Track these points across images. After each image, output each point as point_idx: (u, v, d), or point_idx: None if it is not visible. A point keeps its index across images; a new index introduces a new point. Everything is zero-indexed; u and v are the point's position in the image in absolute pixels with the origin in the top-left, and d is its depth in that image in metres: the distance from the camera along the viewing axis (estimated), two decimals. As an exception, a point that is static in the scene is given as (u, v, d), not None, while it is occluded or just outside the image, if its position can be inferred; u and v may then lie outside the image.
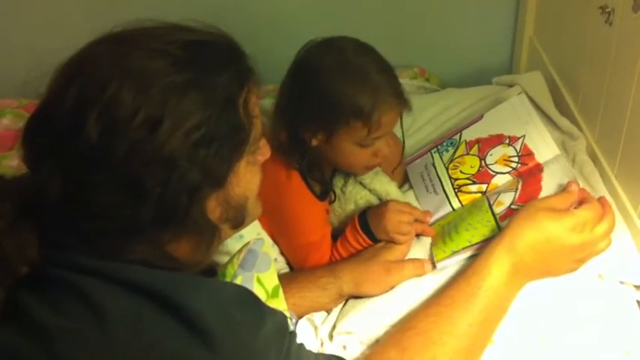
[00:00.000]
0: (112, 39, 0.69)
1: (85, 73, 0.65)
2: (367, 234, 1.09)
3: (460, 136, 1.23)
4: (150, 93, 0.63)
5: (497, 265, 0.87)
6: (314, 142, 1.05)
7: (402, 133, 1.14)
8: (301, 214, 1.10)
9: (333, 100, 1.00)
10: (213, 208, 0.71)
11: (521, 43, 1.64)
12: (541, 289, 0.94)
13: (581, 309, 0.94)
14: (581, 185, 1.04)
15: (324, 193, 1.15)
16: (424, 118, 1.41)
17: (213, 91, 0.67)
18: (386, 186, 1.17)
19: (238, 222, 0.76)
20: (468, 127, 1.24)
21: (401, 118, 1.09)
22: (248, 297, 0.73)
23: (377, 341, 0.94)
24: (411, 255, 1.05)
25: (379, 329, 0.95)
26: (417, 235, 1.08)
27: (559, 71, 1.42)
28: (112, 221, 0.65)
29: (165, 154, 0.63)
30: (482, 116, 1.24)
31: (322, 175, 1.14)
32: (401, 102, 1.04)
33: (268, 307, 0.74)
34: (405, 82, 1.61)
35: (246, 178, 0.73)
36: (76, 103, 0.63)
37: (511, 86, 1.43)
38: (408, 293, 0.98)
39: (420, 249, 1.06)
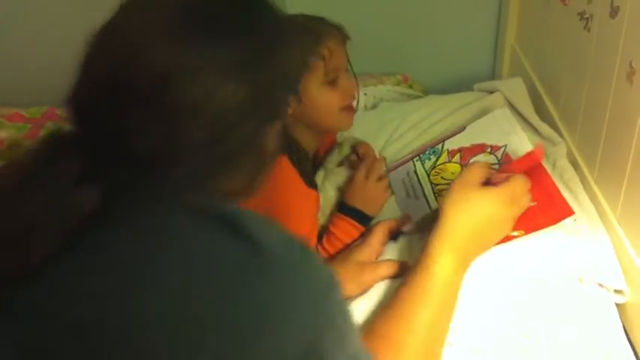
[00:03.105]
0: None
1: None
2: (357, 218, 1.13)
3: (442, 145, 1.24)
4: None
5: (446, 259, 0.86)
6: (289, 112, 1.08)
7: (352, 69, 1.19)
8: (294, 202, 1.10)
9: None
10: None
11: (503, 50, 1.65)
12: (520, 293, 0.94)
13: (561, 313, 0.94)
14: (561, 189, 1.05)
15: (311, 180, 1.17)
16: (407, 125, 1.41)
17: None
18: None
19: None
20: (450, 137, 1.25)
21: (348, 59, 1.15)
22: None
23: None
24: (386, 257, 1.05)
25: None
26: (395, 238, 1.08)
27: (540, 77, 1.43)
28: (187, 167, 0.63)
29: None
30: (464, 127, 1.25)
31: (307, 160, 1.16)
32: (333, 27, 1.12)
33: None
34: (389, 88, 1.62)
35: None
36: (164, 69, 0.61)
37: (492, 92, 1.43)
38: (381, 294, 0.97)
39: (393, 251, 1.06)
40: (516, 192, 0.91)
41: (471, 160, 1.17)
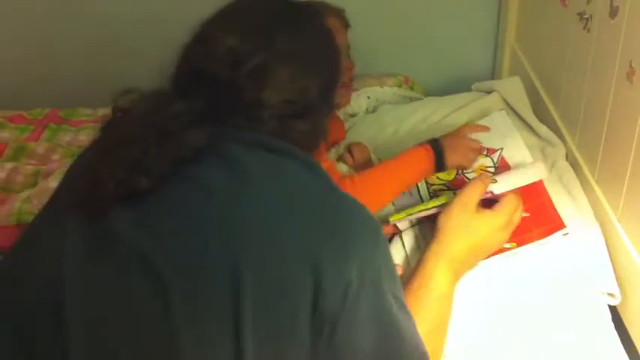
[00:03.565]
0: None
1: None
2: (436, 153, 1.13)
3: None
4: None
5: (442, 275, 0.88)
6: None
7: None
8: None
9: None
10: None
11: (503, 50, 1.65)
12: (514, 297, 0.95)
13: (555, 316, 0.94)
14: (559, 191, 1.05)
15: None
16: (405, 128, 1.42)
17: None
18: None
19: None
20: None
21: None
22: None
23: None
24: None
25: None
26: (389, 239, 1.08)
27: (540, 77, 1.43)
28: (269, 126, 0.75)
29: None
30: None
31: None
32: (334, 10, 1.15)
33: None
34: (392, 90, 1.62)
35: None
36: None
37: (490, 92, 1.44)
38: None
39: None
40: (510, 213, 0.93)
41: None
